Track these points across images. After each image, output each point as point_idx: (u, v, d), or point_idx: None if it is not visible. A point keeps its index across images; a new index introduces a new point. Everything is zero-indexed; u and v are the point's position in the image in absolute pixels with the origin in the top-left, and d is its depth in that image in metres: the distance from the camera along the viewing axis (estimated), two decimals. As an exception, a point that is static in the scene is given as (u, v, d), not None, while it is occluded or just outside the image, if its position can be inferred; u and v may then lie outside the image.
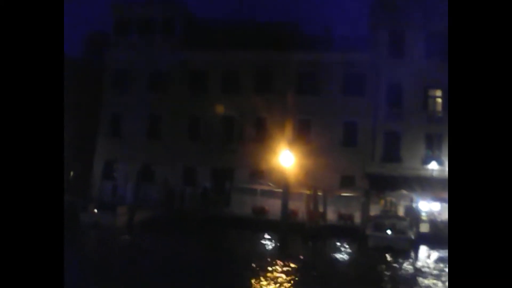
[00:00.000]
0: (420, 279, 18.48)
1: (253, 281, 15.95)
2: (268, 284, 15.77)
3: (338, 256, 24.35)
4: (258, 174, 35.42)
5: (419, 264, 22.81)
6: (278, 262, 19.94)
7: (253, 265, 18.84)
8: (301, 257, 22.57)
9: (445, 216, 35.29)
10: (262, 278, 16.53)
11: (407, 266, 21.95)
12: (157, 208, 33.34)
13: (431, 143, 36.15)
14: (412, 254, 25.06)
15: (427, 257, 25.23)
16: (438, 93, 37.32)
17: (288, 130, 34.36)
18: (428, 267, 21.78)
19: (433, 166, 34.52)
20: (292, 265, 19.39)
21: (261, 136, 36.46)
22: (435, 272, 20.43)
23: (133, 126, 39.61)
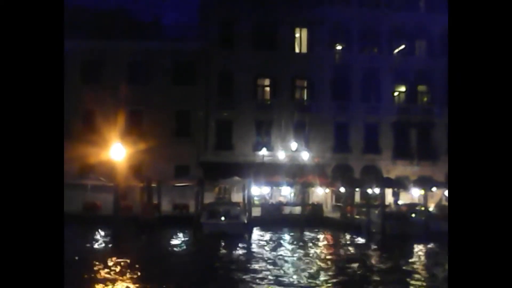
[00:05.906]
0: (254, 261, 18.98)
1: (86, 278, 14.94)
2: (103, 280, 14.92)
3: (175, 247, 24.11)
4: (88, 169, 33.70)
5: (253, 246, 23.52)
6: (112, 258, 19.04)
7: (86, 262, 17.73)
8: (136, 250, 21.92)
9: (276, 198, 37.15)
10: (95, 275, 15.62)
11: (241, 249, 22.46)
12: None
13: (261, 130, 37.66)
14: (246, 237, 25.77)
15: (260, 239, 26.16)
16: (266, 82, 39.00)
17: (119, 122, 33.12)
18: (262, 248, 22.56)
19: (263, 152, 35.95)
20: (127, 259, 18.63)
21: (89, 130, 34.67)
22: (268, 253, 21.20)
23: None
